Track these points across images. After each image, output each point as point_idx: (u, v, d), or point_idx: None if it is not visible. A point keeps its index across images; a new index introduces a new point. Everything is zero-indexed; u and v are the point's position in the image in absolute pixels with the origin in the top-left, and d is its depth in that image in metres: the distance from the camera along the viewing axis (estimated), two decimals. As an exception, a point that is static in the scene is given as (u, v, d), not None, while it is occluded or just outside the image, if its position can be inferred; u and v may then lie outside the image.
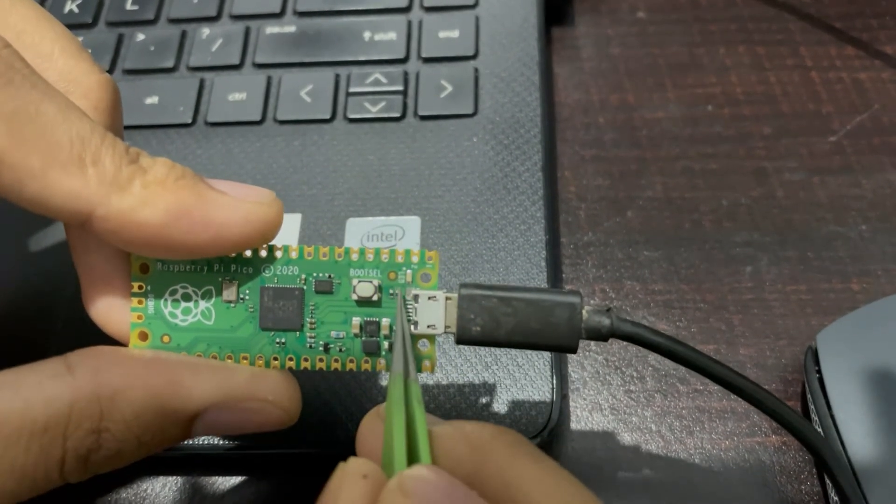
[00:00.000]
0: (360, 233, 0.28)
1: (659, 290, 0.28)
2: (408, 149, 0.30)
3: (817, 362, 0.24)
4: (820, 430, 0.24)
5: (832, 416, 0.23)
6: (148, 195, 0.16)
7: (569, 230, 0.30)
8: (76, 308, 0.19)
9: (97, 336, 0.19)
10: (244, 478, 0.25)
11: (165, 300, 0.19)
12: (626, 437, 0.25)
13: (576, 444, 0.25)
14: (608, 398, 0.26)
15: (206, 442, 0.24)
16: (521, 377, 0.24)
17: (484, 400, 0.24)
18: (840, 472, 0.19)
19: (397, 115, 0.30)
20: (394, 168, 0.29)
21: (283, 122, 0.31)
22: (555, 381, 0.24)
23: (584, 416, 0.26)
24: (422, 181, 0.29)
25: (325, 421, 0.24)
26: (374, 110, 0.31)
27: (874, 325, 0.24)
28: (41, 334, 0.26)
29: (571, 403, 0.26)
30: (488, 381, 0.24)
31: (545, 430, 0.24)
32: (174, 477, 0.25)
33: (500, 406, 0.24)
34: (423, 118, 0.30)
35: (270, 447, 0.24)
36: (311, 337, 0.19)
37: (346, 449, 0.23)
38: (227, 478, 0.25)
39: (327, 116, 0.31)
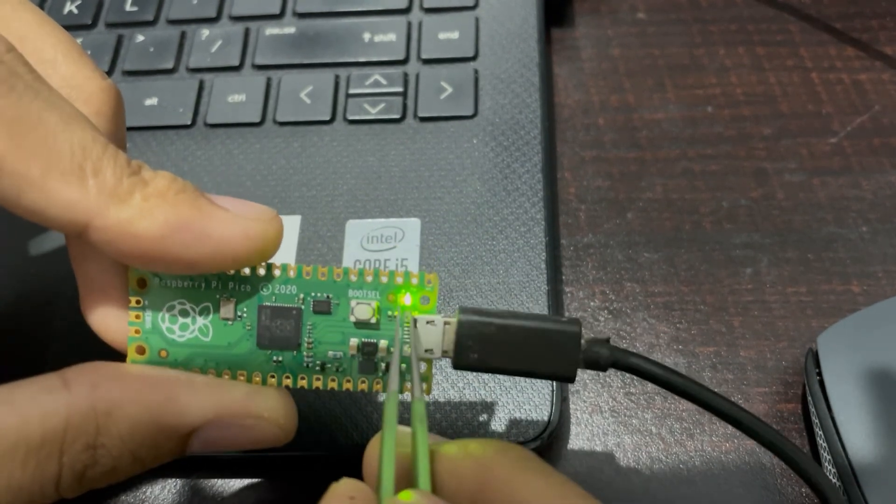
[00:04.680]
0: (360, 234, 0.28)
1: (659, 291, 0.28)
2: (408, 150, 0.30)
3: (818, 364, 0.24)
4: (820, 431, 0.24)
5: (833, 419, 0.23)
6: (147, 207, 0.16)
7: (569, 231, 0.30)
8: (75, 313, 0.19)
9: (95, 342, 0.19)
10: (245, 480, 0.25)
11: (163, 315, 0.19)
12: (627, 440, 0.25)
13: (576, 446, 0.25)
14: (608, 400, 0.26)
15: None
16: (521, 380, 0.24)
17: (484, 403, 0.24)
18: None
19: (397, 116, 0.30)
20: (393, 170, 0.29)
21: (282, 124, 0.31)
22: (555, 384, 0.24)
23: (584, 419, 0.26)
24: (422, 183, 0.29)
25: (326, 424, 0.24)
26: (373, 112, 0.30)
27: (875, 327, 0.24)
28: (40, 339, 0.26)
29: (571, 406, 0.26)
30: (489, 385, 0.24)
31: (545, 432, 0.24)
32: (174, 479, 0.25)
33: (500, 409, 0.24)
34: (423, 119, 0.30)
35: (271, 450, 0.24)
36: (308, 356, 0.19)
37: (347, 452, 0.24)
38: (228, 480, 0.25)
39: (327, 118, 0.31)
